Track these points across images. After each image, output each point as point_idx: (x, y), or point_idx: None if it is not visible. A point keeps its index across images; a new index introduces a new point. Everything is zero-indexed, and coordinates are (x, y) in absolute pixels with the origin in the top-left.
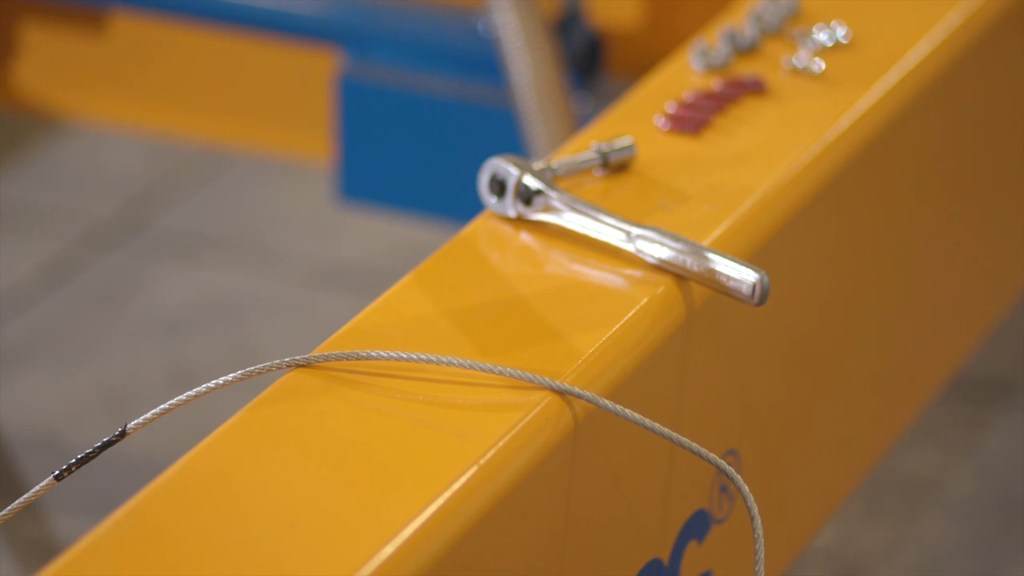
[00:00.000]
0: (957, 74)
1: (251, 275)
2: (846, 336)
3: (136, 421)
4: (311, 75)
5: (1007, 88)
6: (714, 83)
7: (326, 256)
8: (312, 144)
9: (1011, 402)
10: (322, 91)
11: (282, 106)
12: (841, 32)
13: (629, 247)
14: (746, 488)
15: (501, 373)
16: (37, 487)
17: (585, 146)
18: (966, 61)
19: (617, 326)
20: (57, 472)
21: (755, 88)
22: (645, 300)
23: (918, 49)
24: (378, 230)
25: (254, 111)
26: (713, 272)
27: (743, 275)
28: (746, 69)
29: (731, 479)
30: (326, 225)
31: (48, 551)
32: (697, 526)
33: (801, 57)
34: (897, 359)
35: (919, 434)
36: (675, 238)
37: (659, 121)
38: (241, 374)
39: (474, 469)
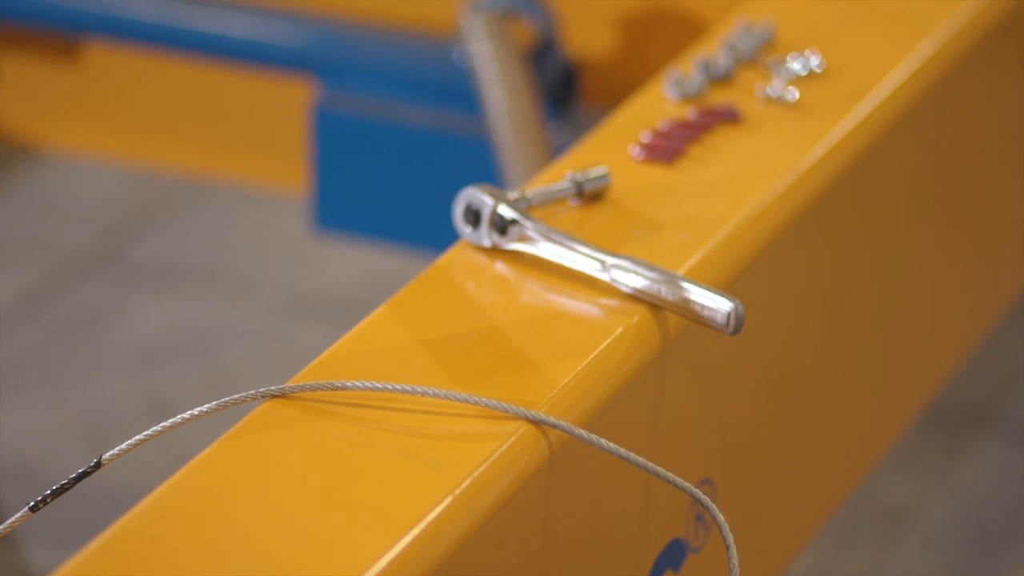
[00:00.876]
0: (930, 102)
1: (227, 305)
2: (822, 364)
3: (111, 452)
4: (287, 104)
5: (980, 115)
6: (688, 112)
7: (302, 286)
8: (288, 174)
9: (986, 430)
10: (298, 121)
11: (258, 136)
12: (815, 61)
13: (604, 276)
14: (721, 517)
15: (476, 403)
16: (12, 519)
17: (560, 176)
18: (939, 90)
19: (592, 356)
20: (32, 503)
21: (729, 117)
22: (620, 329)
23: (891, 78)
24: (354, 260)
25: (230, 141)
26: (688, 301)
27: (717, 304)
28: (720, 98)
29: (706, 508)
30: (302, 255)
31: None
32: (673, 555)
33: (775, 86)
34: (873, 386)
35: (895, 462)
36: (650, 267)
37: (634, 150)
38: (216, 404)
39: (449, 499)
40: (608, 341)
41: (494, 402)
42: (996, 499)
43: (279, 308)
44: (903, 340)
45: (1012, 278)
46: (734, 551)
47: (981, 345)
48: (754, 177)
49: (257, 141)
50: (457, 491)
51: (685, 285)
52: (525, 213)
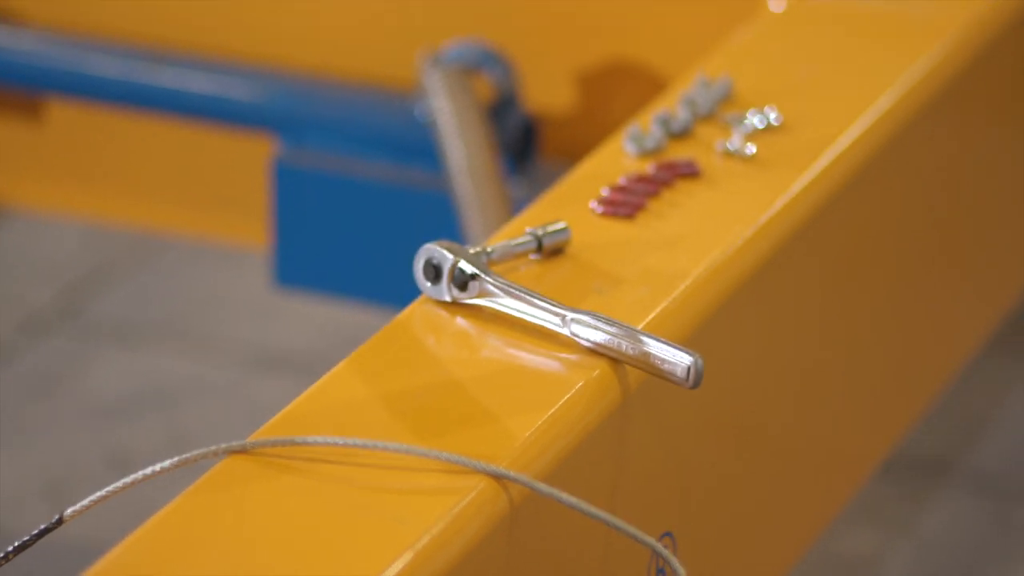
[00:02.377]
0: (889, 155)
1: (188, 360)
2: (783, 416)
3: (73, 508)
4: (248, 160)
5: (939, 165)
6: (648, 167)
7: (264, 341)
8: (251, 229)
9: (947, 480)
10: (260, 176)
11: (220, 191)
12: (773, 116)
13: (564, 331)
14: (682, 571)
15: (437, 457)
16: None
17: (520, 231)
18: (897, 142)
19: (552, 410)
20: None
21: (689, 172)
22: (580, 384)
23: (849, 132)
24: (315, 315)
25: (192, 196)
26: (647, 355)
27: (677, 358)
28: (680, 153)
29: (667, 561)
30: (264, 309)
31: None
32: None
33: (734, 141)
34: (835, 438)
35: (856, 513)
36: (609, 322)
37: (594, 205)
38: (177, 461)
39: (410, 555)
40: (568, 395)
41: (455, 456)
42: (957, 549)
43: (241, 363)
44: (865, 391)
45: (976, 327)
46: None
47: (943, 395)
48: (714, 231)
49: (219, 197)
50: (418, 546)
51: (645, 339)
52: (485, 268)
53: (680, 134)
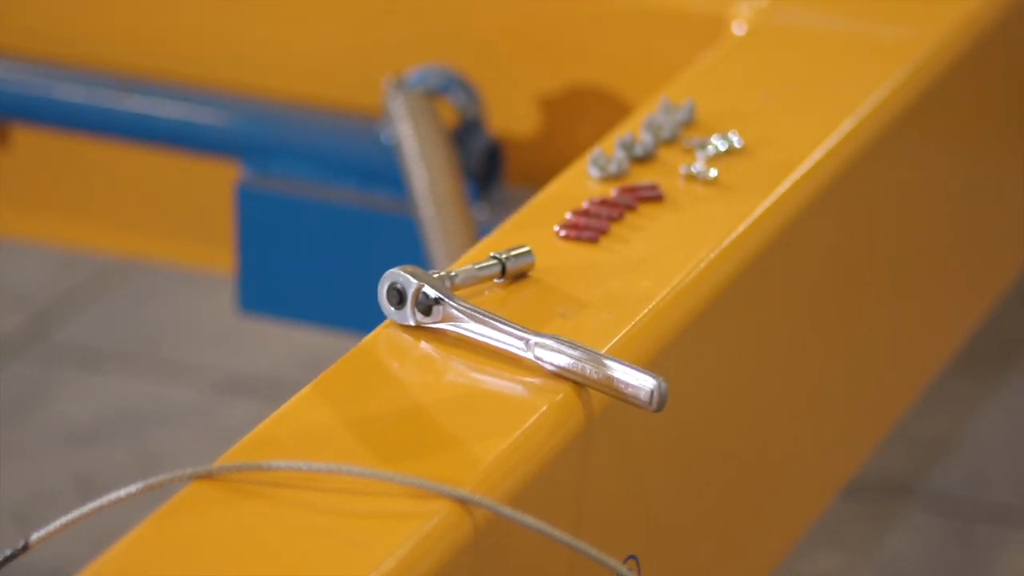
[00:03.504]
0: (851, 177)
1: (155, 385)
2: (748, 438)
3: (39, 533)
4: (215, 185)
5: (901, 188)
6: (612, 191)
7: (230, 365)
8: (218, 255)
9: (910, 501)
10: (227, 201)
11: (187, 217)
12: (736, 140)
13: (528, 355)
14: None
15: (401, 482)
16: None
17: (484, 255)
18: (859, 165)
19: (516, 434)
20: None
21: (652, 196)
22: (544, 408)
23: (811, 155)
24: (282, 339)
25: (158, 222)
26: (611, 379)
27: (640, 382)
28: (643, 177)
29: None
30: (230, 334)
31: None
32: None
33: (697, 165)
34: (799, 460)
35: (820, 534)
36: (573, 346)
37: (557, 229)
38: (144, 485)
39: None
40: (532, 419)
41: (419, 481)
42: (921, 570)
43: (208, 387)
44: (829, 412)
45: (937, 350)
46: None
47: (905, 416)
48: (677, 255)
49: (186, 222)
50: (382, 569)
51: (608, 363)
52: (449, 292)
53: (643, 158)
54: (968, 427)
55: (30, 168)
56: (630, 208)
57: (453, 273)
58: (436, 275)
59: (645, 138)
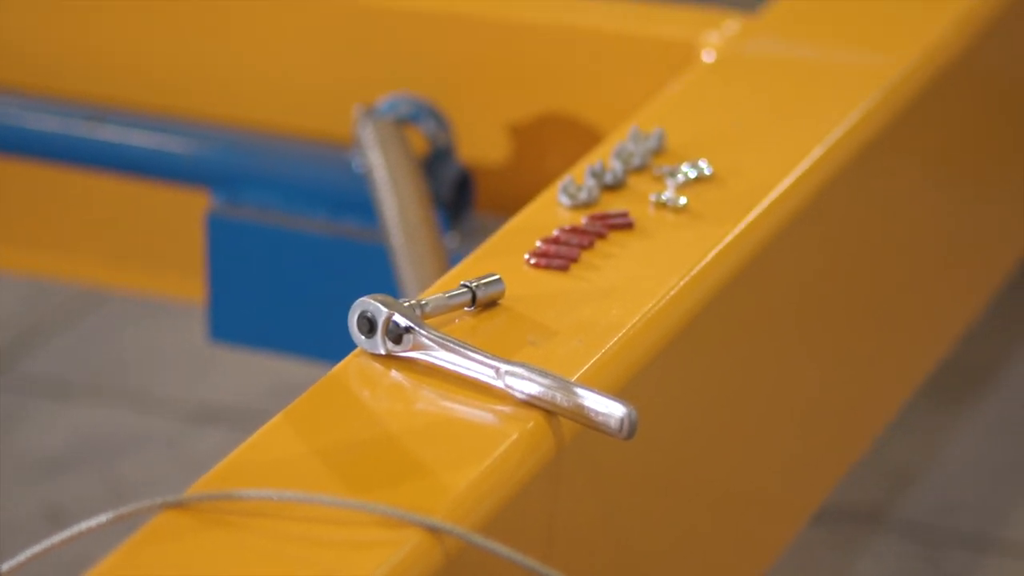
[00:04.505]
0: (822, 203)
1: (125, 415)
2: (718, 465)
3: (8, 564)
4: (185, 213)
5: (869, 218)
6: (582, 219)
7: (200, 395)
8: (189, 284)
9: (879, 528)
10: (197, 229)
11: (157, 246)
12: (706, 168)
13: (498, 383)
14: None
15: (372, 510)
16: None
17: (455, 283)
18: (830, 190)
19: (487, 462)
20: None
21: (622, 223)
22: (515, 436)
23: (782, 182)
24: (252, 367)
25: (129, 251)
26: (581, 407)
27: (611, 409)
28: (613, 205)
29: None
30: (200, 364)
31: None
32: None
33: (667, 192)
34: (768, 487)
35: (789, 561)
36: (543, 374)
37: (528, 257)
38: (113, 515)
39: None
40: (503, 447)
41: (390, 509)
42: None
43: (178, 416)
44: (799, 439)
45: (909, 375)
46: None
47: (875, 444)
48: (647, 282)
49: (156, 251)
50: None
51: (578, 391)
52: (419, 321)
53: (613, 186)
54: (938, 453)
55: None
56: (600, 236)
57: (424, 301)
58: (407, 303)
59: (615, 166)
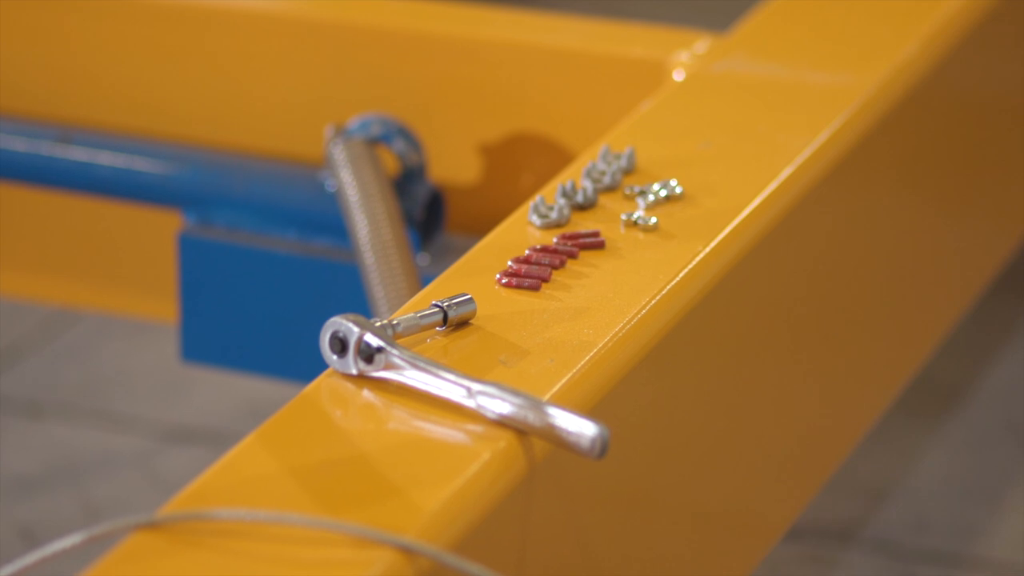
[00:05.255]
0: (792, 221)
1: (97, 435)
2: (691, 484)
3: None
4: (157, 233)
5: (838, 236)
6: (553, 239)
7: (173, 415)
8: (161, 304)
9: (852, 545)
10: (169, 249)
11: (129, 266)
12: (677, 187)
13: (470, 403)
14: None
15: (344, 530)
16: None
17: (426, 303)
18: (799, 211)
19: (459, 481)
20: None
21: (593, 243)
22: (487, 456)
23: (753, 200)
24: (225, 388)
25: (101, 271)
26: (553, 427)
27: (582, 429)
28: (585, 225)
29: None
30: (173, 384)
31: None
32: None
33: (638, 212)
34: (741, 504)
35: None
36: (515, 393)
37: (499, 277)
38: (86, 535)
39: None
40: (475, 467)
41: (362, 529)
42: None
43: (150, 437)
44: (772, 457)
45: (881, 392)
46: None
47: (845, 463)
48: (618, 302)
49: (128, 271)
50: None
51: (550, 411)
52: (391, 341)
53: (584, 206)
54: (911, 470)
55: None
56: (572, 256)
57: (395, 321)
58: (378, 323)
59: (586, 185)
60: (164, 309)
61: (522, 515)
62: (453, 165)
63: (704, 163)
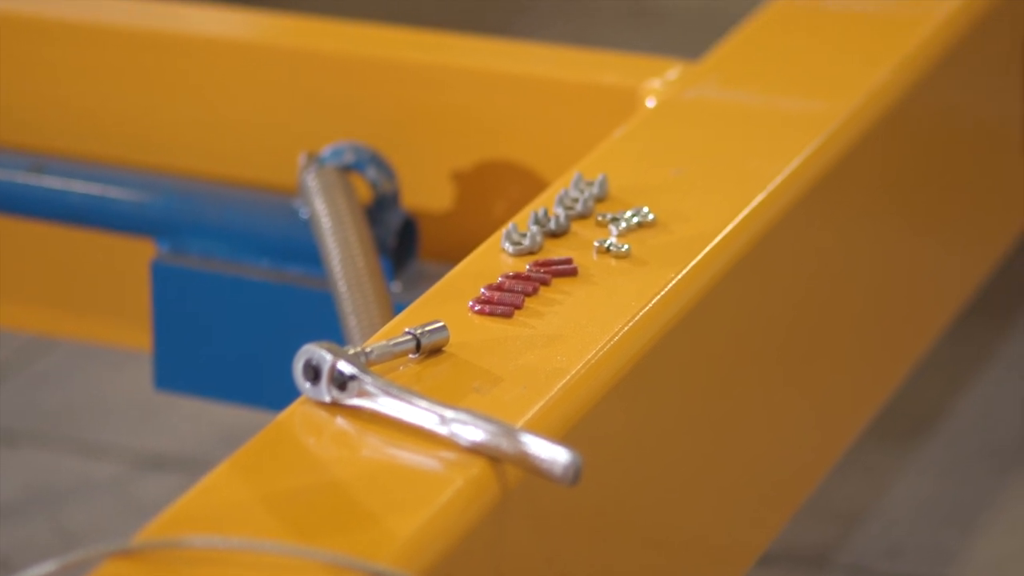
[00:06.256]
0: (763, 250)
1: (72, 462)
2: (665, 510)
3: None
4: (131, 261)
5: (812, 262)
6: (526, 266)
7: (147, 443)
8: (135, 332)
9: (824, 572)
10: (143, 277)
11: (104, 293)
12: (649, 214)
13: (443, 430)
14: None
15: (318, 558)
16: None
17: (399, 331)
18: (771, 237)
19: (433, 509)
20: None
21: (566, 270)
22: (460, 483)
23: (725, 227)
24: (199, 416)
25: (75, 299)
26: (526, 454)
27: (555, 456)
28: (557, 252)
29: None
30: (149, 411)
31: None
32: None
33: (610, 239)
34: (715, 530)
35: None
36: (488, 421)
37: (472, 304)
38: (60, 563)
39: None
40: (448, 494)
41: (336, 556)
42: None
43: (125, 464)
44: (745, 483)
45: (852, 419)
46: None
47: (818, 488)
48: (591, 328)
49: (103, 299)
50: None
51: (523, 438)
52: (364, 368)
53: (557, 233)
54: (884, 495)
55: None
56: (544, 283)
57: (368, 349)
58: (351, 351)
59: (558, 213)
60: (138, 337)
61: (496, 542)
62: (426, 193)
63: (676, 190)
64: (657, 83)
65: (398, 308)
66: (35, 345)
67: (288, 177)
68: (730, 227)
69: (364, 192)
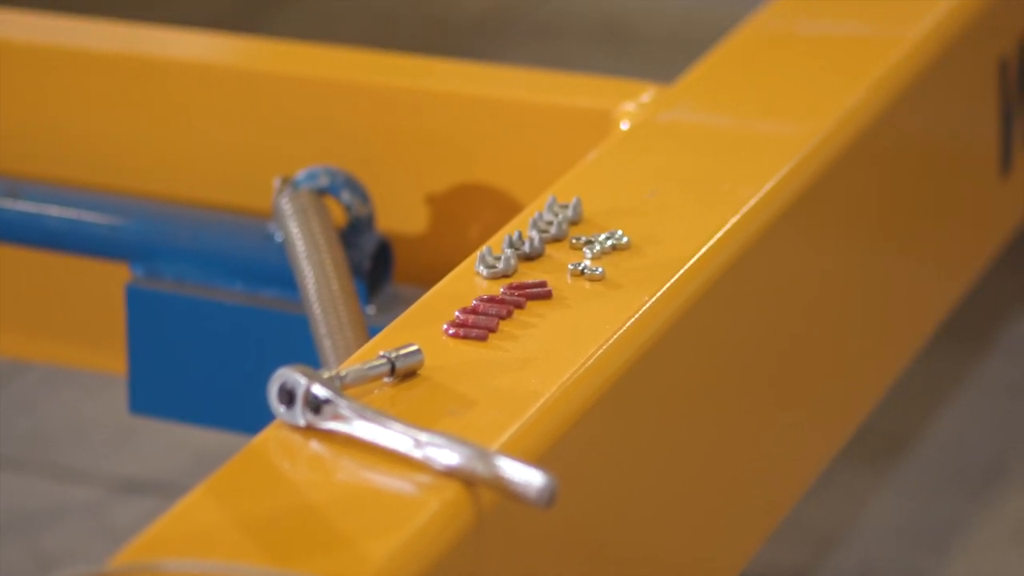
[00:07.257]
0: (737, 273)
1: (47, 486)
2: (641, 533)
3: None
4: (106, 284)
5: (787, 285)
6: (500, 289)
7: (122, 466)
8: (110, 356)
9: None
10: (118, 300)
11: (78, 317)
12: (624, 238)
13: (418, 454)
14: None
15: None
16: None
17: (374, 354)
18: (745, 260)
19: (407, 532)
20: None
21: (540, 293)
22: (435, 506)
23: (699, 250)
24: (174, 440)
25: (49, 323)
26: (501, 477)
27: (530, 478)
28: (532, 275)
29: None
30: (123, 434)
31: None
32: None
33: (584, 262)
34: (693, 552)
35: None
36: (463, 444)
37: (447, 328)
38: None
39: None
40: (423, 518)
41: None
42: None
43: (100, 488)
44: (721, 505)
45: (828, 440)
46: None
47: (794, 508)
48: (566, 351)
49: (77, 323)
50: None
51: (497, 461)
52: (339, 392)
53: (532, 256)
54: (859, 516)
55: None
56: (519, 306)
57: (343, 373)
58: (326, 375)
59: (533, 236)
60: (113, 361)
61: (471, 565)
62: (400, 216)
63: (650, 213)
64: (631, 106)
65: (373, 331)
66: (9, 369)
67: (263, 201)
68: (704, 250)
69: (339, 215)
